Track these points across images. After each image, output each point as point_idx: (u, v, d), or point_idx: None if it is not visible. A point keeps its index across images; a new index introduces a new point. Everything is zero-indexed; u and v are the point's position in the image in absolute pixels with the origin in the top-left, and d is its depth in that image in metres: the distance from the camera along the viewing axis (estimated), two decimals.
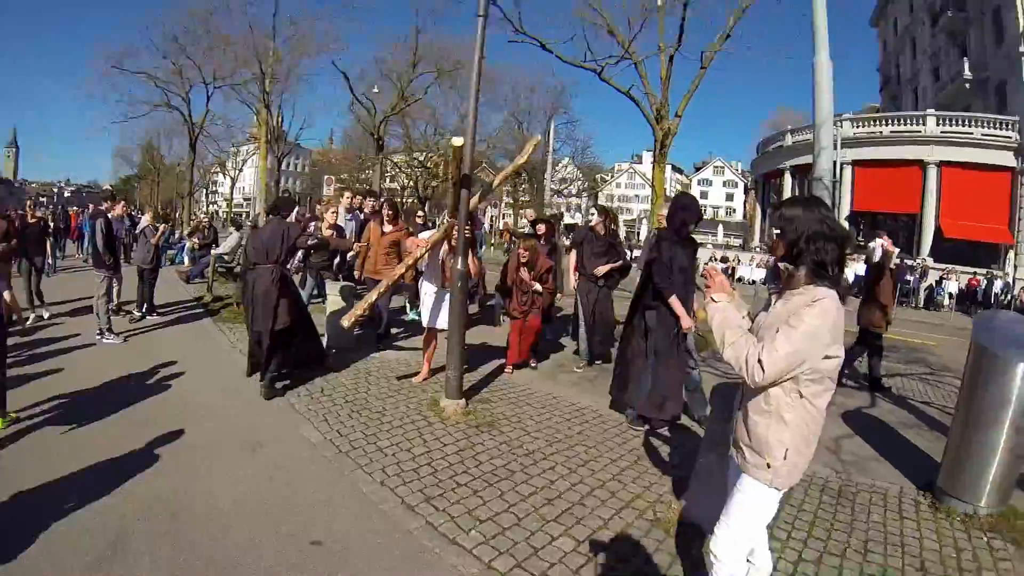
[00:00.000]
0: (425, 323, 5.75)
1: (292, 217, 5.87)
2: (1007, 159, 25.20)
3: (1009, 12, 25.44)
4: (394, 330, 7.95)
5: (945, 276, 23.16)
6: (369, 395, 5.28)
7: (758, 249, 33.19)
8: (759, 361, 1.93)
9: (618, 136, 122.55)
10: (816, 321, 1.91)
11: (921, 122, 27.20)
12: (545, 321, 6.94)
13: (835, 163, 14.41)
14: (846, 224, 21.57)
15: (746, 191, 59.98)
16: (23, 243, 8.18)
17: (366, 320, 6.26)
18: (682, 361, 4.82)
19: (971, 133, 25.87)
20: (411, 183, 35.65)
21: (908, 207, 27.08)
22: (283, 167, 34.07)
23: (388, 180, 37.57)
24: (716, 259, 29.85)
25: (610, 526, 3.28)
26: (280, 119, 25.35)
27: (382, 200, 8.42)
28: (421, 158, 33.77)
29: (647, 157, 70.12)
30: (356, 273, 7.42)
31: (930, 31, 32.90)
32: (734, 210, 71.67)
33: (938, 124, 26.59)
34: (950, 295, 22.01)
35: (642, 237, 35.59)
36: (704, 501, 3.01)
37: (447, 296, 5.41)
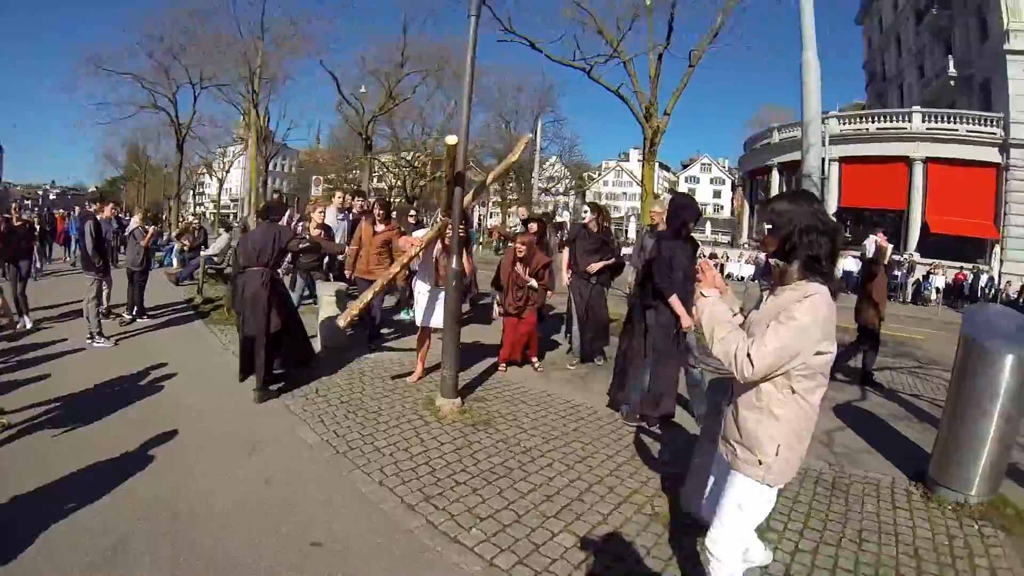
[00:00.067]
0: (419, 322, 5.74)
1: (284, 220, 5.85)
2: (992, 155, 25.51)
3: (993, 10, 25.75)
4: (385, 330, 7.94)
5: (932, 271, 23.38)
6: (364, 395, 5.28)
7: (747, 246, 33.39)
8: (748, 356, 1.92)
9: (605, 134, 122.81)
10: (806, 317, 1.90)
11: (907, 119, 27.48)
12: (538, 320, 6.95)
13: (823, 160, 14.53)
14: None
15: (733, 188, 60.36)
16: (9, 247, 8.10)
17: (359, 320, 6.25)
18: (680, 360, 4.86)
19: (956, 130, 26.16)
20: (399, 183, 35.56)
21: (895, 203, 27.34)
22: (270, 167, 33.88)
23: (376, 180, 37.43)
24: (704, 255, 29.99)
25: (609, 521, 3.30)
26: (267, 119, 25.18)
27: (373, 200, 8.40)
28: (409, 157, 33.69)
29: (634, 155, 70.37)
30: (347, 273, 7.40)
31: (915, 29, 33.23)
32: (722, 207, 71.97)
33: (924, 121, 26.88)
34: (937, 290, 22.22)
35: (630, 235, 35.67)
36: (700, 497, 3.05)
37: (440, 295, 5.42)
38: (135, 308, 8.25)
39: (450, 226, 5.07)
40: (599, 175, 70.20)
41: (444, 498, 3.45)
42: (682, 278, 4.59)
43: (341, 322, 5.02)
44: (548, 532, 3.14)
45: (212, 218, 40.69)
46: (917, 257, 25.17)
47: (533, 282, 6.21)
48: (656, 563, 2.92)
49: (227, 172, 46.73)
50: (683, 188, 71.74)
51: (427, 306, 5.65)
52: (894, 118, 28.26)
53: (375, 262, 6.96)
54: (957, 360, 3.94)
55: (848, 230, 24.66)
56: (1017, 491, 3.97)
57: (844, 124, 29.10)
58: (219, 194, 50.48)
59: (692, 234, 4.95)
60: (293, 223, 8.35)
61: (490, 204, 48.55)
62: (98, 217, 7.47)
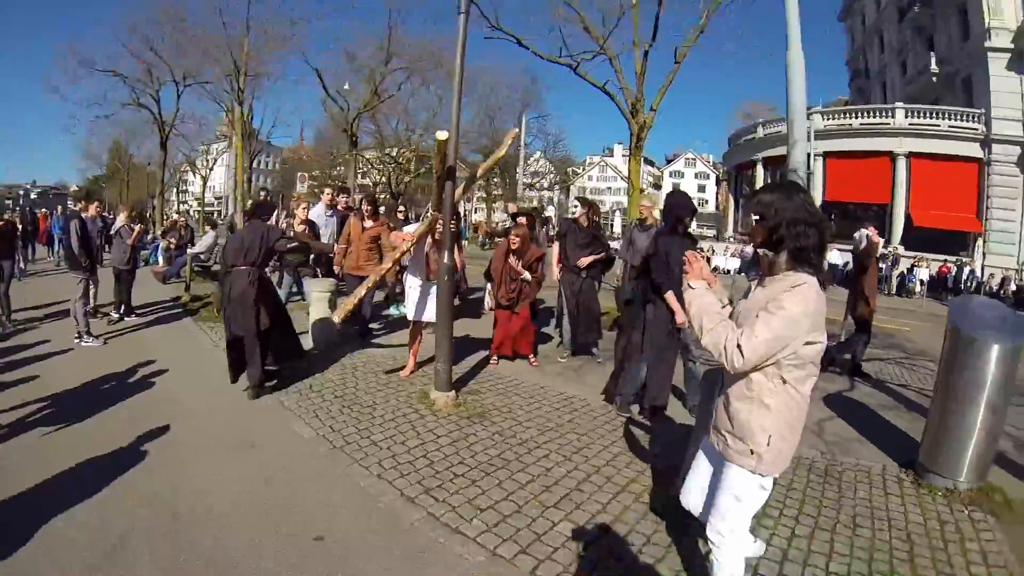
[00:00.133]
0: (411, 316, 5.74)
1: (272, 219, 5.78)
2: (974, 150, 25.92)
3: (974, 9, 26.12)
4: (375, 325, 7.93)
5: (916, 264, 23.75)
6: (358, 390, 5.26)
7: (732, 240, 33.63)
8: (738, 347, 1.92)
9: (589, 130, 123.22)
10: (796, 307, 1.90)
11: (890, 114, 27.81)
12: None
13: (808, 155, 14.66)
14: None
15: (718, 182, 60.65)
16: None
17: (351, 316, 6.23)
18: (676, 354, 4.91)
19: (939, 125, 26.54)
20: (383, 179, 35.35)
21: (879, 197, 27.67)
22: (254, 165, 33.55)
23: (360, 176, 37.21)
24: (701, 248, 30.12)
25: (608, 510, 3.33)
26: (250, 117, 24.88)
27: (360, 197, 8.35)
28: (393, 154, 33.53)
29: (618, 150, 70.61)
30: (336, 269, 7.36)
31: (897, 26, 33.58)
32: (706, 201, 72.35)
33: (907, 116, 27.23)
34: (921, 282, 22.55)
35: (615, 229, 35.80)
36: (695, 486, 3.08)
37: (432, 289, 5.42)
38: (123, 307, 8.15)
39: (440, 221, 5.07)
40: (583, 170, 70.31)
41: (444, 490, 3.45)
42: (679, 274, 4.63)
43: (336, 317, 5.00)
44: (548, 521, 3.16)
45: (196, 216, 40.23)
46: (901, 250, 25.55)
47: (527, 275, 6.22)
48: (657, 550, 2.95)
49: (211, 170, 46.26)
50: (667, 183, 72.15)
51: (419, 300, 5.65)
52: (877, 114, 28.58)
53: (364, 258, 6.95)
54: (944, 351, 4.01)
55: (832, 224, 24.89)
56: (1004, 478, 4.06)
57: (828, 120, 29.38)
58: (203, 192, 49.98)
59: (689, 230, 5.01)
60: (280, 220, 8.29)
61: (475, 199, 48.54)
62: (83, 216, 7.37)
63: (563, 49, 13.08)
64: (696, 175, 76.46)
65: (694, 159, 77.14)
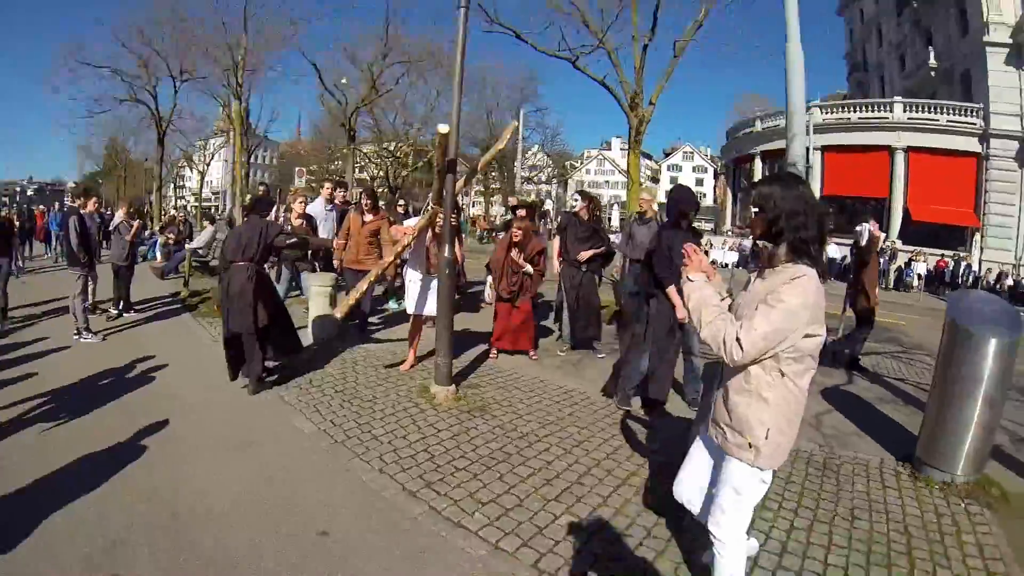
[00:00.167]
0: (411, 310, 5.75)
1: (271, 215, 5.75)
2: (972, 145, 25.98)
3: (973, 3, 26.11)
4: (373, 319, 7.93)
5: (914, 258, 23.79)
6: (358, 384, 5.27)
7: (730, 233, 33.67)
8: (737, 340, 1.91)
9: (586, 123, 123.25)
10: (795, 299, 1.89)
11: (888, 109, 27.84)
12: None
13: (807, 149, 14.65)
14: None
15: (716, 176, 60.60)
16: None
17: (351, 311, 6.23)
18: (677, 350, 4.92)
19: (937, 120, 26.58)
20: (381, 173, 35.31)
21: (877, 191, 27.70)
22: (251, 160, 33.46)
23: (358, 171, 37.14)
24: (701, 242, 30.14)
25: (609, 503, 3.35)
26: (247, 111, 24.79)
27: (359, 191, 8.33)
28: (391, 148, 33.47)
29: (616, 144, 70.47)
30: (336, 263, 7.34)
31: (896, 20, 33.57)
32: (704, 195, 72.31)
33: (905, 111, 27.26)
34: (919, 276, 22.64)
35: (614, 223, 35.83)
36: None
37: (432, 283, 5.43)
38: (121, 303, 8.15)
39: (441, 215, 5.07)
40: (581, 164, 70.26)
41: (445, 484, 3.47)
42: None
43: (339, 313, 5.00)
44: (550, 515, 3.18)
45: (194, 211, 40.13)
46: (899, 244, 25.58)
47: (529, 267, 6.22)
48: (657, 543, 2.97)
49: (208, 165, 46.14)
50: (665, 176, 72.06)
51: (419, 294, 5.65)
52: (876, 108, 28.62)
53: (364, 252, 6.92)
54: (942, 345, 4.03)
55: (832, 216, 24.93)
56: (1001, 471, 4.09)
57: (826, 113, 29.40)
58: (200, 187, 49.89)
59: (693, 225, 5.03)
60: (278, 215, 8.27)
61: (473, 193, 48.49)
62: (82, 212, 7.35)
63: (562, 43, 13.07)
64: (694, 168, 76.30)
65: (692, 153, 77.00)
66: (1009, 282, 22.58)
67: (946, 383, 3.92)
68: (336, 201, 8.50)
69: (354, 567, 2.70)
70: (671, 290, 4.56)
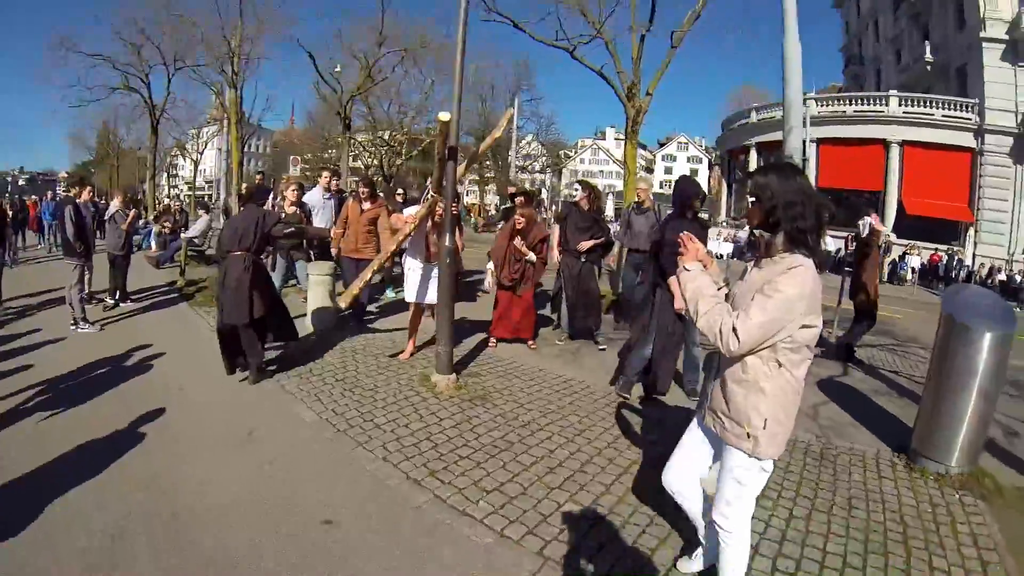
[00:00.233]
0: (411, 299, 5.76)
1: (268, 204, 5.70)
2: (967, 140, 26.10)
3: None
4: (372, 308, 7.93)
5: (908, 251, 23.95)
6: (359, 373, 5.29)
7: (724, 224, 33.73)
8: (733, 330, 1.91)
9: (581, 112, 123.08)
10: (792, 290, 1.89)
11: (884, 102, 27.88)
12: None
13: (803, 141, 14.68)
14: None
15: (710, 167, 60.51)
16: None
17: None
18: (681, 341, 4.95)
19: (932, 114, 26.65)
20: (375, 161, 35.13)
21: (871, 184, 27.78)
22: (245, 148, 33.19)
23: (352, 159, 36.99)
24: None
25: (612, 491, 3.39)
26: (240, 100, 24.55)
27: (356, 179, 8.28)
28: (385, 137, 33.30)
29: (610, 133, 70.25)
30: (333, 251, 7.30)
31: (892, 15, 33.55)
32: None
33: (900, 105, 27.32)
34: (913, 270, 22.78)
35: (609, 212, 35.90)
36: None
37: (432, 271, 5.43)
38: (118, 292, 8.11)
39: (441, 203, 5.06)
40: (575, 153, 70.10)
41: (449, 472, 3.49)
42: None
43: (343, 303, 5.00)
44: (554, 503, 3.21)
45: (188, 200, 39.84)
46: (893, 238, 25.71)
47: (532, 255, 6.23)
48: (661, 530, 3.01)
49: (201, 153, 45.80)
50: (660, 167, 72.03)
51: (419, 283, 5.66)
52: (871, 101, 28.65)
53: (363, 240, 6.89)
54: (938, 339, 4.08)
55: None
56: (995, 463, 4.16)
57: (822, 106, 29.42)
58: (194, 176, 49.52)
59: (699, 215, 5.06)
60: (274, 204, 8.23)
61: (467, 182, 48.33)
62: (77, 201, 7.28)
63: (559, 33, 13.03)
64: (688, 159, 76.20)
65: (687, 143, 76.92)
66: (1001, 277, 22.76)
67: (942, 376, 3.97)
68: (331, 190, 8.46)
69: (361, 556, 2.71)
70: (672, 281, 4.58)
